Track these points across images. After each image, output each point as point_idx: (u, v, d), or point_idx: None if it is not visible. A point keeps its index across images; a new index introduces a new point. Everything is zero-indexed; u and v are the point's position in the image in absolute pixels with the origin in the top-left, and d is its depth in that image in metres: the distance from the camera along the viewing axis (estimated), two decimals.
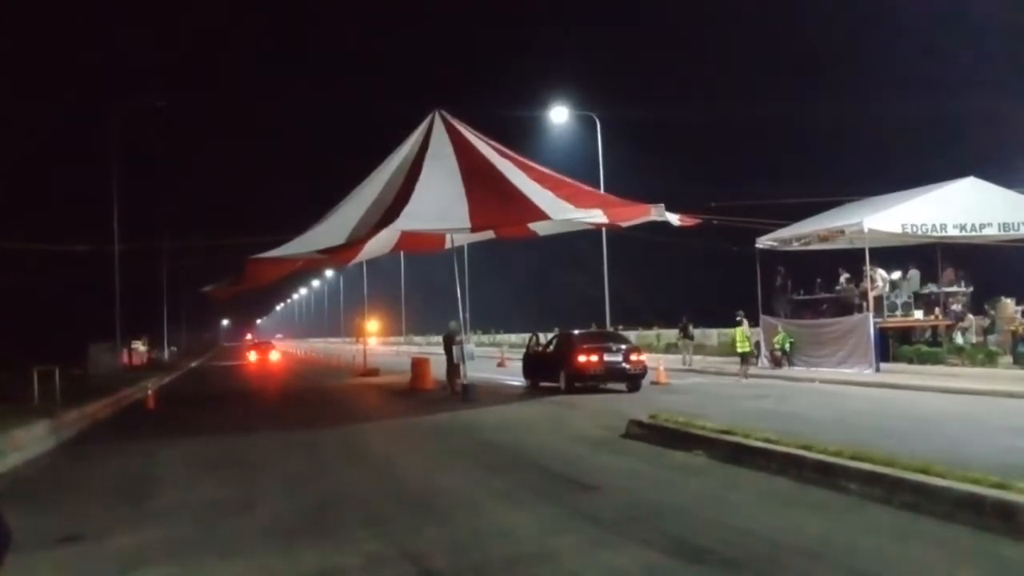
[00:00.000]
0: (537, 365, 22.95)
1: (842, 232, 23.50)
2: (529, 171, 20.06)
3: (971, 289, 24.88)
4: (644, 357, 21.13)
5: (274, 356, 57.13)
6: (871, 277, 23.29)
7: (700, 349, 32.55)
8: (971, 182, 23.07)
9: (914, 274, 24.58)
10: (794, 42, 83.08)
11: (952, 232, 22.38)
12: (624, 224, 20.92)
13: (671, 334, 38.73)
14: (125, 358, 41.66)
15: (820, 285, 26.93)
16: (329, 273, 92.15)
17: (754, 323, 25.66)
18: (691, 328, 30.64)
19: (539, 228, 21.49)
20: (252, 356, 57.32)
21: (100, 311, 35.31)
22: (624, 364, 20.16)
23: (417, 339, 74.54)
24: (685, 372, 26.14)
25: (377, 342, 72.03)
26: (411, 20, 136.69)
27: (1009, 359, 20.81)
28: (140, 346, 54.32)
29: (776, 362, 24.97)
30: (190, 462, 12.08)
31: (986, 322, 23.39)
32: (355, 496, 9.05)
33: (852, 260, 25.36)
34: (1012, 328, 21.59)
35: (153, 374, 33.73)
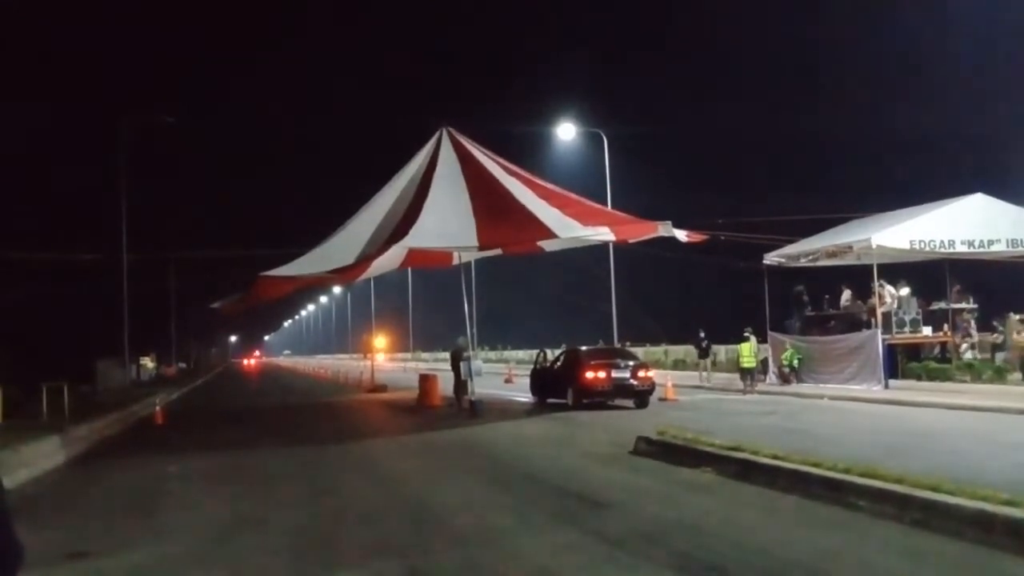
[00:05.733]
0: (545, 381, 22.92)
1: (850, 248, 23.46)
2: (536, 188, 20.13)
3: (977, 306, 24.79)
4: (652, 373, 21.10)
5: (252, 362, 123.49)
6: (879, 293, 23.23)
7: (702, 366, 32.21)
8: (979, 198, 23.00)
9: (905, 292, 24.36)
10: (803, 57, 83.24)
11: (960, 248, 22.28)
12: (631, 240, 20.97)
13: (679, 350, 38.62)
14: (134, 374, 41.82)
15: (828, 301, 26.87)
16: (337, 290, 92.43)
17: (762, 339, 25.59)
18: (706, 344, 28.42)
19: (546, 244, 21.55)
20: (246, 362, 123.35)
21: (108, 327, 35.40)
22: (632, 380, 20.13)
23: (424, 355, 74.51)
24: (693, 388, 25.99)
25: (384, 358, 72.06)
26: (419, 36, 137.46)
27: (1019, 375, 20.70)
28: (148, 362, 54.51)
29: (784, 378, 24.89)
30: (199, 478, 12.09)
31: (999, 339, 23.23)
32: (363, 512, 9.05)
33: (859, 277, 25.30)
34: (1021, 343, 21.49)
35: (161, 389, 33.81)
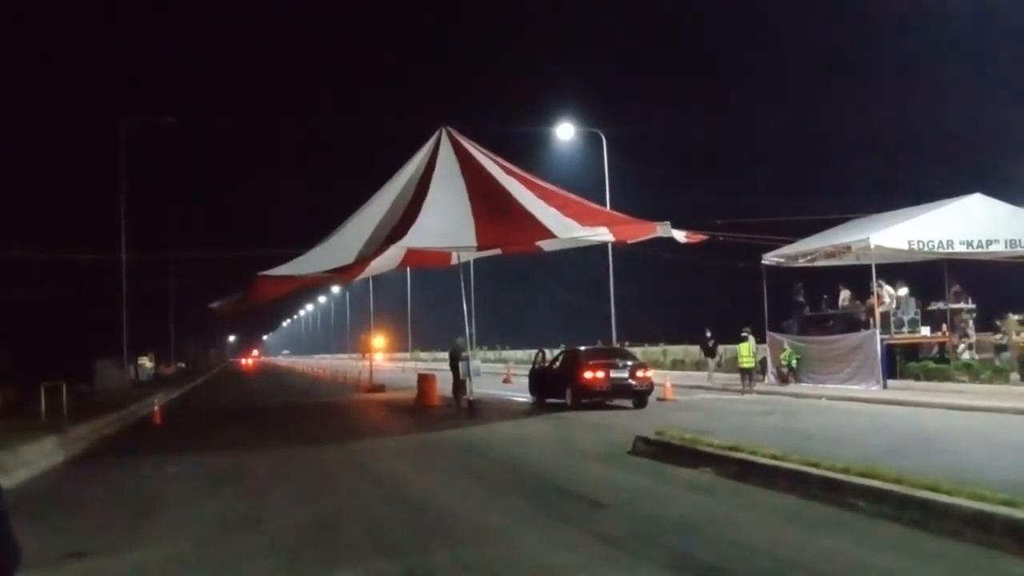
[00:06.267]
0: (543, 381, 22.91)
1: (849, 248, 23.46)
2: (535, 188, 20.12)
3: (975, 306, 24.75)
4: (650, 373, 21.11)
5: (249, 361, 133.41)
6: (878, 294, 23.22)
7: (704, 365, 32.16)
8: (978, 198, 23.00)
9: (903, 292, 24.35)
10: (803, 57, 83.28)
11: (959, 248, 22.27)
12: (630, 241, 20.96)
13: (677, 350, 38.63)
14: (132, 374, 41.80)
15: (826, 301, 26.88)
16: (335, 289, 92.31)
17: (760, 340, 25.58)
18: (712, 344, 28.13)
19: (545, 244, 21.53)
20: (243, 361, 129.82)
21: (107, 327, 35.38)
22: (630, 380, 20.13)
23: (423, 355, 74.47)
24: (691, 388, 25.98)
25: (383, 358, 72.05)
26: (419, 36, 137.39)
27: (1018, 376, 20.67)
28: (147, 362, 54.42)
29: (783, 378, 24.91)
30: (197, 478, 12.08)
31: (1002, 339, 23.16)
32: (361, 513, 9.05)
33: (858, 277, 25.30)
34: (1021, 343, 21.46)
35: (160, 389, 33.80)
